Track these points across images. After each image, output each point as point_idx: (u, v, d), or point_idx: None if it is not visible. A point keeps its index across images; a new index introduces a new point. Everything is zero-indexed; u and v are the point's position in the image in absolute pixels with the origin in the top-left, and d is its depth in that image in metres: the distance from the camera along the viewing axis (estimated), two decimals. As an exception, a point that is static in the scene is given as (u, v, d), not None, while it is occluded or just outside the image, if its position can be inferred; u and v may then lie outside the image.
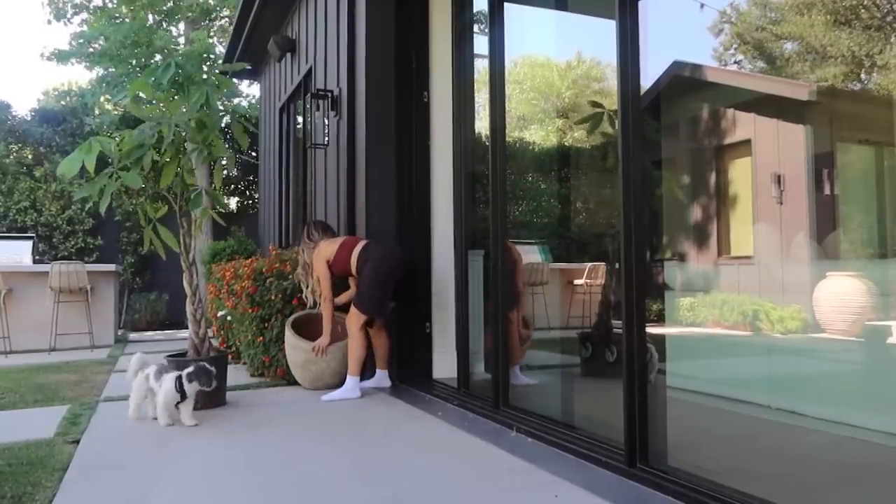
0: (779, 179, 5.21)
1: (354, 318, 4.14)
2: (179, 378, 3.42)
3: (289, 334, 4.36)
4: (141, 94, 3.87)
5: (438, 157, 4.69)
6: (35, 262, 7.70)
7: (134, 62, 11.22)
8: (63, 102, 13.50)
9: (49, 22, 12.90)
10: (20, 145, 9.82)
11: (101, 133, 9.62)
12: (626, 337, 2.60)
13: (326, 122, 5.36)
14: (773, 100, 5.51)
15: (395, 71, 4.65)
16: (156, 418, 3.50)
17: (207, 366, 3.53)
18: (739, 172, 5.92)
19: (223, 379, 4.01)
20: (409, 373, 4.50)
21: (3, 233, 8.87)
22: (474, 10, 4.54)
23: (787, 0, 5.44)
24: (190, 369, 3.45)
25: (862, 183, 4.94)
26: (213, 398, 3.88)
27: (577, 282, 6.45)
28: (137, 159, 3.67)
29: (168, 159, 3.74)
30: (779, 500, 2.14)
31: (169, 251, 3.95)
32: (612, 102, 2.79)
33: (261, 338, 4.67)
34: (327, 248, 4.29)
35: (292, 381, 4.52)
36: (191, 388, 3.44)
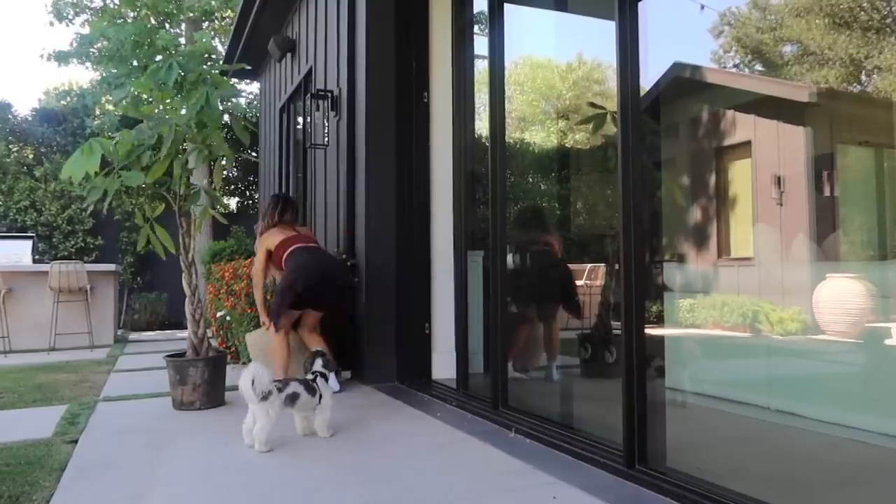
0: (779, 181, 5.20)
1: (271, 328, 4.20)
2: (324, 376, 3.22)
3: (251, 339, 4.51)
4: (143, 95, 3.86)
5: (438, 157, 4.69)
6: (35, 261, 7.70)
7: (136, 63, 11.23)
8: (64, 102, 13.51)
9: (51, 24, 12.91)
10: (21, 145, 9.82)
11: (101, 134, 9.62)
12: (626, 338, 2.60)
13: (326, 122, 5.36)
14: (773, 101, 5.51)
15: (395, 71, 4.66)
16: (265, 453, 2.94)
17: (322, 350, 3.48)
18: (739, 174, 5.91)
19: (222, 379, 4.01)
20: (409, 373, 4.50)
21: (3, 232, 8.87)
22: (474, 11, 4.54)
23: (786, 2, 5.44)
24: (321, 362, 3.27)
25: (862, 185, 4.93)
26: (212, 398, 3.88)
27: (576, 283, 6.44)
28: (137, 158, 3.67)
29: (160, 157, 3.73)
30: (778, 502, 2.14)
31: (169, 250, 3.95)
32: (612, 104, 2.78)
33: (260, 338, 4.66)
34: (271, 238, 4.28)
35: (291, 382, 4.51)
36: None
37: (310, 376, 3.20)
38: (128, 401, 4.23)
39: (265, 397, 2.90)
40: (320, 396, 3.13)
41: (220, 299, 5.53)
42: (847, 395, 3.59)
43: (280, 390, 2.99)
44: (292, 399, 3.02)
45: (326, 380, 3.22)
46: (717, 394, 4.00)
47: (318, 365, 3.25)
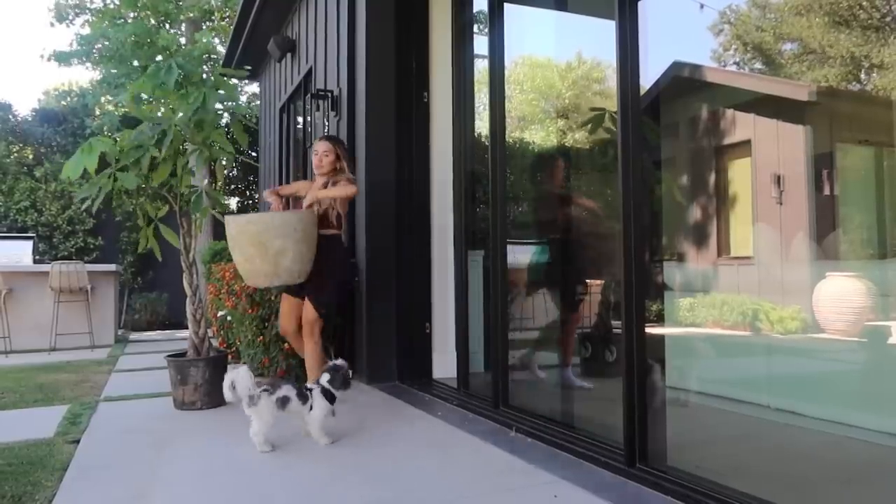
0: (778, 180, 5.21)
1: (316, 324, 3.81)
2: (328, 391, 3.10)
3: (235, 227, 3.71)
4: (142, 95, 3.87)
5: (438, 157, 4.69)
6: (35, 262, 7.71)
7: (136, 63, 11.24)
8: (64, 102, 13.51)
9: (52, 24, 12.93)
10: (21, 145, 9.82)
11: (102, 134, 9.63)
12: (626, 337, 2.60)
13: (326, 122, 5.37)
14: (772, 100, 5.51)
15: (395, 71, 4.66)
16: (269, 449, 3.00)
17: (340, 365, 3.23)
18: (739, 173, 5.92)
19: (223, 379, 4.00)
20: (409, 373, 4.51)
21: (4, 233, 8.87)
22: (474, 10, 4.54)
23: (786, 0, 5.44)
24: (328, 377, 3.13)
25: (862, 183, 4.94)
26: (213, 398, 3.88)
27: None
28: (136, 160, 3.68)
29: (164, 159, 3.74)
30: (778, 500, 2.15)
31: (166, 251, 3.95)
32: (612, 103, 2.79)
33: (261, 338, 4.67)
34: (352, 189, 3.92)
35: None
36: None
37: (311, 385, 3.16)
38: (129, 401, 4.24)
39: (253, 401, 2.92)
40: (311, 406, 3.07)
41: (221, 299, 5.54)
42: (847, 393, 3.60)
43: (269, 393, 2.98)
44: (283, 403, 3.02)
45: (328, 396, 3.11)
46: (718, 392, 4.01)
47: (324, 379, 3.14)
